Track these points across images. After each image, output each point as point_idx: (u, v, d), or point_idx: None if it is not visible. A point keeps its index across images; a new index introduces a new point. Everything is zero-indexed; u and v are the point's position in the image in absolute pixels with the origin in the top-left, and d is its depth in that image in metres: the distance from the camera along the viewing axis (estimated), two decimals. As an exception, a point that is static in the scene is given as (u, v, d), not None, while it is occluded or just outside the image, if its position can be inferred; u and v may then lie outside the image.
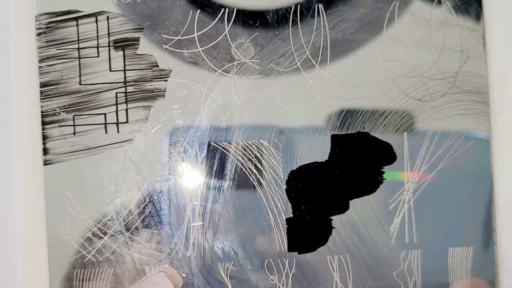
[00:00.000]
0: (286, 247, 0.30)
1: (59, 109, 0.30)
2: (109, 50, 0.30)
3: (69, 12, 0.30)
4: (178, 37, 0.30)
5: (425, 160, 0.30)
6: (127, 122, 0.30)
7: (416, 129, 0.30)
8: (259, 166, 0.30)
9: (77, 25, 0.30)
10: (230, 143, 0.30)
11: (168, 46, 0.30)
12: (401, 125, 0.30)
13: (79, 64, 0.30)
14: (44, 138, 0.30)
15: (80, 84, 0.30)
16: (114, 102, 0.30)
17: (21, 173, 0.30)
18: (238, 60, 0.30)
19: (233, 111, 0.30)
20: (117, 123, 0.30)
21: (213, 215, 0.30)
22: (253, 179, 0.30)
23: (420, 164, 0.30)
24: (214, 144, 0.30)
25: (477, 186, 0.30)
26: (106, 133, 0.30)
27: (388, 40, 0.30)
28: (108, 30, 0.30)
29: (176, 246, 0.30)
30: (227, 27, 0.30)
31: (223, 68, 0.30)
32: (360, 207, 0.30)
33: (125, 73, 0.30)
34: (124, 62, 0.30)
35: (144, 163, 0.30)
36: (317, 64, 0.30)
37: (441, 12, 0.31)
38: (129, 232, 0.30)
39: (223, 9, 0.30)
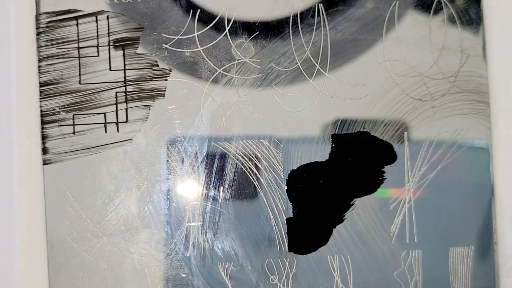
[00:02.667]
0: (287, 247, 0.30)
1: (59, 109, 0.30)
2: (109, 49, 0.30)
3: (69, 12, 0.30)
4: (178, 37, 0.30)
5: (425, 159, 0.30)
6: (127, 121, 0.30)
7: (416, 129, 0.30)
8: (259, 165, 0.30)
9: (77, 24, 0.30)
10: (230, 143, 0.30)
11: (168, 46, 0.30)
12: (401, 125, 0.30)
13: (79, 63, 0.30)
14: (44, 137, 0.30)
15: (80, 83, 0.30)
16: (114, 102, 0.30)
17: (21, 173, 0.30)
18: (238, 60, 0.30)
19: (233, 111, 0.30)
20: (117, 123, 0.30)
21: (213, 215, 0.30)
22: (253, 178, 0.30)
23: (421, 164, 0.30)
24: (214, 144, 0.30)
25: (478, 185, 0.30)
26: (106, 132, 0.30)
27: (388, 40, 0.30)
28: (108, 29, 0.30)
29: (176, 246, 0.30)
30: (227, 26, 0.30)
31: (223, 68, 0.30)
32: (360, 207, 0.30)
33: (125, 73, 0.30)
34: (124, 61, 0.30)
35: (144, 163, 0.30)
36: (317, 63, 0.30)
37: (441, 12, 0.31)
38: (129, 232, 0.30)
39: (223, 8, 0.30)
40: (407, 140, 0.30)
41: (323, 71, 0.30)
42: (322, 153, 0.30)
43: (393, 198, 0.30)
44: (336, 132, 0.30)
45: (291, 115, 0.30)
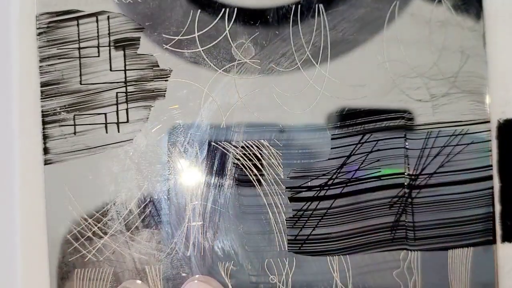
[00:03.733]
0: (286, 247, 0.30)
1: (60, 109, 0.30)
2: (109, 49, 0.30)
3: (69, 12, 0.30)
4: (179, 37, 0.30)
5: (425, 160, 0.30)
6: (127, 121, 0.30)
7: (416, 129, 0.30)
8: (259, 165, 0.30)
9: (77, 24, 0.30)
10: (230, 143, 0.30)
11: (169, 46, 0.30)
12: (401, 126, 0.30)
13: (80, 63, 0.30)
14: (45, 137, 0.30)
15: (81, 83, 0.30)
16: (115, 102, 0.30)
17: (22, 173, 0.30)
18: (238, 60, 0.30)
19: (234, 111, 0.30)
20: (117, 123, 0.30)
21: (213, 215, 0.30)
22: (253, 179, 0.30)
23: (421, 164, 0.30)
24: (215, 144, 0.30)
25: (478, 186, 0.30)
26: (107, 132, 0.30)
27: (388, 40, 0.30)
28: (109, 29, 0.30)
29: (176, 245, 0.30)
30: (228, 27, 0.30)
31: (223, 68, 0.30)
32: (359, 207, 0.30)
33: (125, 73, 0.30)
34: (125, 62, 0.30)
35: (145, 163, 0.30)
36: (317, 64, 0.30)
37: (442, 12, 0.31)
38: (130, 231, 0.30)
39: (223, 9, 0.30)
40: (407, 141, 0.30)
41: (323, 72, 0.30)
42: (322, 153, 0.30)
43: (393, 197, 0.30)
44: (335, 133, 0.30)
45: (291, 115, 0.30)
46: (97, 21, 0.30)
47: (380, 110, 0.30)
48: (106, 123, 0.30)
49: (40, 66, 0.30)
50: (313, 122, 0.30)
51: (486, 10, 0.31)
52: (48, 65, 0.30)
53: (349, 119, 0.30)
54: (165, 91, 0.30)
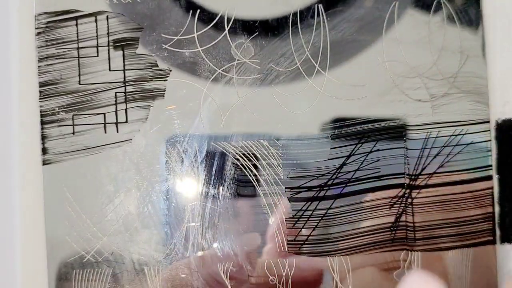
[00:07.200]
0: (286, 247, 0.30)
1: (58, 109, 0.30)
2: (108, 49, 0.30)
3: (68, 12, 0.30)
4: (178, 37, 0.30)
5: (425, 160, 0.30)
6: (126, 122, 0.30)
7: (416, 129, 0.30)
8: (259, 166, 0.30)
9: (76, 24, 0.30)
10: (229, 143, 0.30)
11: (168, 46, 0.30)
12: (401, 126, 0.30)
13: (79, 63, 0.30)
14: (43, 137, 0.30)
15: (80, 83, 0.30)
16: (114, 102, 0.30)
17: (20, 173, 0.30)
18: (238, 60, 0.30)
19: (233, 111, 0.30)
20: (116, 123, 0.30)
21: (212, 215, 0.30)
22: (252, 179, 0.30)
23: (420, 164, 0.30)
24: (214, 144, 0.30)
25: (478, 186, 0.30)
26: (105, 133, 0.30)
27: (388, 40, 0.30)
28: (108, 29, 0.30)
29: (175, 246, 0.30)
30: (227, 27, 0.30)
31: (223, 68, 0.30)
32: (359, 207, 0.30)
33: (124, 73, 0.30)
34: (124, 61, 0.30)
35: (144, 163, 0.30)
36: (317, 64, 0.30)
37: (441, 13, 0.31)
38: (128, 232, 0.30)
39: (223, 8, 0.30)
40: (406, 141, 0.30)
41: (322, 72, 0.30)
42: (321, 153, 0.30)
43: (393, 198, 0.30)
44: (335, 132, 0.30)
45: (291, 116, 0.30)
46: (96, 21, 0.30)
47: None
48: (105, 123, 0.30)
49: (39, 66, 0.30)
50: (313, 122, 0.30)
51: (485, 10, 0.31)
52: (47, 65, 0.30)
53: (348, 118, 0.30)
54: (164, 91, 0.30)
